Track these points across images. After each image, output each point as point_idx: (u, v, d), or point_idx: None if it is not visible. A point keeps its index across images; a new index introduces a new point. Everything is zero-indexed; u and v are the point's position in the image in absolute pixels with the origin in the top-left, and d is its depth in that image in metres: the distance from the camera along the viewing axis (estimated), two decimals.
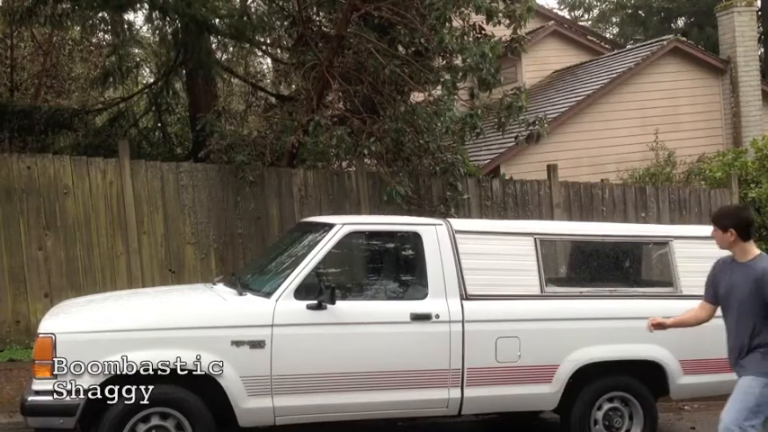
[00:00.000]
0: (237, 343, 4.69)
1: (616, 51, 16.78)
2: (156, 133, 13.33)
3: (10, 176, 7.36)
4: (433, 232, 5.27)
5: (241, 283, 5.19)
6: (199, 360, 4.59)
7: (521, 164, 12.38)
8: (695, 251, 5.83)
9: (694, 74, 14.62)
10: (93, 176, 7.59)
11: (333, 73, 8.49)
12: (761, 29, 21.59)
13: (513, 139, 9.46)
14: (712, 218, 4.69)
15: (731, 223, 4.50)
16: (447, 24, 8.11)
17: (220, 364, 4.62)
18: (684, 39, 15.47)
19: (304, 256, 5.04)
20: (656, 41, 15.01)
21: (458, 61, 8.44)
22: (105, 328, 4.60)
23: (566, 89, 14.73)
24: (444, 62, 8.65)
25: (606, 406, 5.46)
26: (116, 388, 4.50)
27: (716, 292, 4.64)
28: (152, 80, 14.99)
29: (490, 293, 5.24)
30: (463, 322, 5.09)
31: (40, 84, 15.51)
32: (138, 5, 10.40)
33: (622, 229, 6.10)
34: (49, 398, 4.44)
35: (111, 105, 13.63)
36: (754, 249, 4.51)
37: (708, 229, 6.38)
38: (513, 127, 8.88)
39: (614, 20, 30.73)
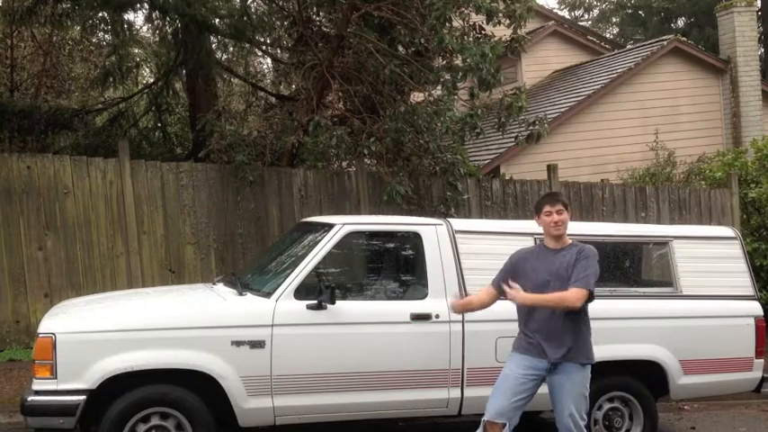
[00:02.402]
0: (237, 343, 4.69)
1: (616, 51, 16.78)
2: (156, 133, 13.33)
3: (10, 176, 7.37)
4: (432, 232, 5.28)
5: (241, 283, 5.19)
6: (199, 360, 4.59)
7: (521, 164, 12.38)
8: (695, 251, 5.84)
9: (694, 74, 14.62)
10: (93, 176, 7.59)
11: (333, 73, 8.49)
12: (761, 29, 21.60)
13: (513, 139, 9.47)
14: (561, 199, 4.49)
15: (567, 205, 4.50)
16: (447, 24, 8.10)
17: (220, 364, 4.63)
18: (684, 39, 15.46)
19: (304, 256, 5.04)
20: (656, 41, 15.02)
21: (458, 61, 8.44)
22: (105, 328, 4.60)
23: (566, 89, 14.74)
24: (444, 62, 8.64)
25: (606, 406, 5.47)
26: (116, 388, 4.51)
27: (514, 281, 4.45)
28: (152, 80, 14.98)
29: None
30: (463, 322, 5.09)
31: (40, 84, 15.51)
32: (138, 5, 10.40)
33: (622, 229, 6.10)
34: (49, 398, 4.45)
35: (111, 105, 13.63)
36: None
37: (708, 230, 6.43)
38: (513, 127, 8.88)
39: (614, 20, 30.76)
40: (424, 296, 5.13)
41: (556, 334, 4.35)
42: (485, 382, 5.10)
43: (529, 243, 5.42)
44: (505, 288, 4.35)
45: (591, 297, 4.32)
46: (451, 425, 6.19)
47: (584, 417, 4.38)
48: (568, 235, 4.53)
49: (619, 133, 13.55)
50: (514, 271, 4.51)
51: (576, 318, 4.36)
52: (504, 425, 4.32)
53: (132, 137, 12.58)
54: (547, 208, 4.44)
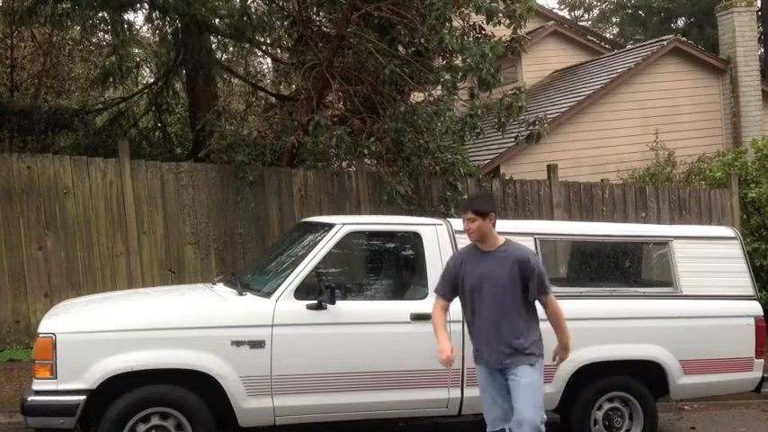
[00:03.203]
0: (237, 343, 4.69)
1: (616, 51, 16.78)
2: (156, 133, 13.33)
3: (10, 176, 7.37)
4: (433, 232, 5.28)
5: (241, 283, 5.19)
6: (199, 360, 4.59)
7: (521, 164, 12.38)
8: (695, 251, 5.85)
9: (694, 74, 14.62)
10: (93, 176, 7.59)
11: (333, 73, 8.49)
12: (761, 29, 21.60)
13: (513, 139, 9.46)
14: (471, 205, 4.38)
15: (491, 208, 4.39)
16: (447, 24, 8.11)
17: (220, 363, 4.63)
18: (684, 39, 15.46)
19: (304, 256, 5.05)
20: (656, 41, 15.01)
21: (458, 61, 8.44)
22: (105, 328, 4.60)
23: (566, 89, 14.74)
24: (444, 62, 8.64)
25: (606, 406, 5.47)
26: (116, 388, 4.51)
27: (456, 287, 4.48)
28: (152, 80, 14.99)
29: None
30: (463, 322, 5.08)
31: (39, 84, 15.51)
32: (138, 5, 10.41)
33: (622, 229, 6.10)
34: (49, 398, 4.45)
35: (111, 105, 13.63)
36: (500, 236, 4.46)
37: (708, 230, 6.43)
38: (513, 127, 8.88)
39: (614, 20, 30.77)
40: (424, 296, 5.13)
41: (492, 340, 4.35)
42: None
43: (528, 243, 5.45)
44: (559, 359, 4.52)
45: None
46: (451, 425, 6.19)
47: (542, 415, 4.32)
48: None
49: (619, 133, 13.55)
50: (455, 277, 4.50)
51: (515, 325, 4.34)
52: (504, 429, 4.38)
53: (132, 137, 12.57)
54: (463, 214, 4.45)
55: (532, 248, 5.40)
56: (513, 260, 4.32)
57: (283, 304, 4.82)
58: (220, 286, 5.43)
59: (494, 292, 4.33)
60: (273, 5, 10.72)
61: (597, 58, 16.40)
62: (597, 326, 5.41)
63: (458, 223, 5.51)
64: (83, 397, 4.44)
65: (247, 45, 12.18)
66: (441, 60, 8.77)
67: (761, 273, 9.80)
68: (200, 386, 4.66)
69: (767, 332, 5.90)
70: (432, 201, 8.66)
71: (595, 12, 31.93)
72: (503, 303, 4.33)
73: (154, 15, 11.01)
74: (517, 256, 4.35)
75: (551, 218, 9.23)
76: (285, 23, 10.61)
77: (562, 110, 13.33)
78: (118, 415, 4.49)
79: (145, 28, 14.73)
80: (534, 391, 4.32)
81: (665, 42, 14.49)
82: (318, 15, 9.75)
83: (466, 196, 8.83)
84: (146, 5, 10.32)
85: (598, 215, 9.60)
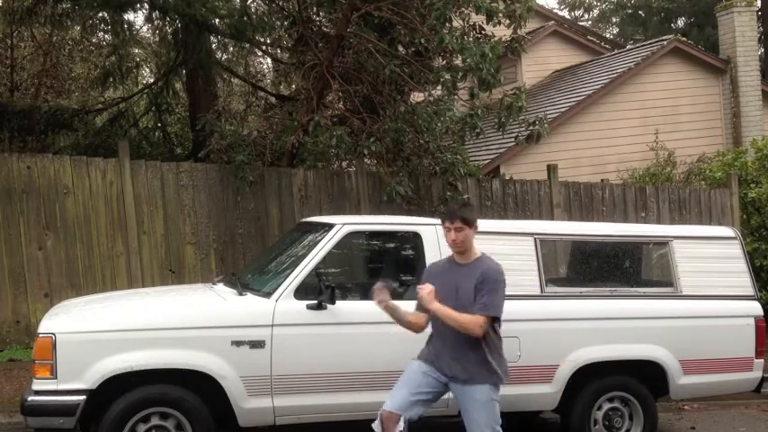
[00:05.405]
0: (237, 343, 4.69)
1: (616, 51, 16.79)
2: (156, 133, 13.33)
3: (10, 176, 7.37)
4: (433, 232, 5.28)
5: (241, 283, 5.19)
6: (199, 360, 4.59)
7: (521, 164, 12.39)
8: (695, 251, 5.85)
9: (694, 74, 14.63)
10: (93, 176, 7.60)
11: (333, 73, 8.49)
12: (761, 29, 21.60)
13: (513, 139, 9.46)
14: (461, 213, 4.18)
15: (475, 218, 4.23)
16: (447, 24, 8.11)
17: (220, 364, 4.63)
18: (684, 39, 15.47)
19: (304, 256, 5.04)
20: (656, 41, 15.02)
21: (458, 61, 8.44)
22: (105, 328, 4.60)
23: (566, 89, 14.74)
24: (444, 62, 8.65)
25: (606, 406, 5.46)
26: (116, 388, 4.51)
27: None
28: (152, 80, 14.99)
29: None
30: None
31: (39, 84, 15.52)
32: (138, 5, 10.41)
33: (622, 229, 6.10)
34: (49, 398, 4.45)
35: (111, 105, 13.62)
36: (477, 250, 4.30)
37: (708, 230, 6.44)
38: (513, 127, 8.87)
39: (614, 20, 30.79)
40: None
41: (454, 352, 4.21)
42: None
43: (528, 243, 5.46)
44: (419, 287, 4.19)
45: (496, 321, 4.16)
46: (451, 425, 6.18)
47: (497, 429, 4.21)
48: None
49: (619, 133, 13.56)
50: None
51: (476, 340, 4.12)
52: (400, 417, 4.18)
53: (132, 137, 12.57)
54: (446, 224, 4.24)
55: (531, 251, 5.43)
56: (479, 273, 4.13)
57: (283, 304, 4.82)
58: (220, 286, 5.43)
59: (461, 309, 4.12)
60: (273, 5, 10.73)
61: (597, 58, 16.40)
62: (597, 326, 5.41)
63: None
64: (83, 397, 4.44)
65: (247, 45, 12.19)
66: (441, 60, 8.78)
67: (761, 273, 9.80)
68: (200, 386, 4.66)
69: (767, 332, 5.90)
70: (432, 201, 8.66)
71: (595, 12, 31.96)
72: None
73: (154, 15, 11.02)
74: (483, 269, 4.15)
75: (551, 218, 9.23)
76: (285, 23, 10.62)
77: (562, 110, 13.34)
78: (118, 415, 4.49)
79: (145, 28, 14.76)
80: (492, 408, 4.19)
81: (665, 42, 14.50)
82: (318, 15, 9.76)
83: (466, 196, 8.84)
84: (146, 5, 10.33)
85: (598, 215, 9.60)
